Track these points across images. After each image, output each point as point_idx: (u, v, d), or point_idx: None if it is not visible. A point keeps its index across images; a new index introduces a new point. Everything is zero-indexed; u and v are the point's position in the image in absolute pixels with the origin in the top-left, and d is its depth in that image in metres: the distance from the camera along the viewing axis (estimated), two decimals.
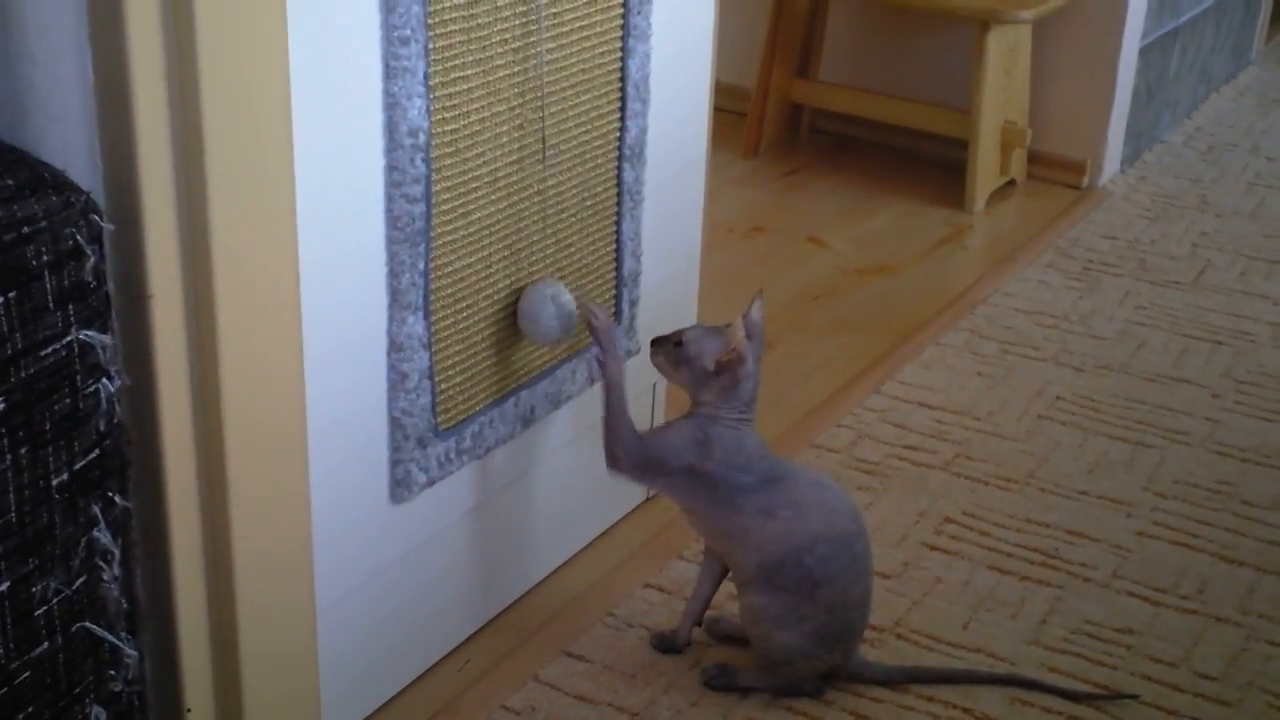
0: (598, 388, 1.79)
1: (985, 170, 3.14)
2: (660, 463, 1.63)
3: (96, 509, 1.08)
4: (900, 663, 1.75)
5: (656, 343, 1.66)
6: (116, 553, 1.08)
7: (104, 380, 1.06)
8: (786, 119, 3.48)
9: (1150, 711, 1.70)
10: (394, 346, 1.48)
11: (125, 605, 1.11)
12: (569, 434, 1.79)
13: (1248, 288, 2.83)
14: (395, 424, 1.51)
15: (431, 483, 1.57)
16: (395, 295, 1.46)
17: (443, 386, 1.56)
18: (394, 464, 1.53)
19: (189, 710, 1.21)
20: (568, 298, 1.62)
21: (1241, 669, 1.78)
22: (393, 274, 1.45)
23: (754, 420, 1.65)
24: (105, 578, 1.08)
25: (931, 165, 3.35)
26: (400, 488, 1.54)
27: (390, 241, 1.44)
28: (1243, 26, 4.14)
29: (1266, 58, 4.42)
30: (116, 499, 1.08)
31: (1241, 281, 2.85)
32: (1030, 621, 1.85)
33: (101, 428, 1.07)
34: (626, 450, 1.63)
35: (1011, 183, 3.28)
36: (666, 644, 1.75)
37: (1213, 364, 2.52)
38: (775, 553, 1.60)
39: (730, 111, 3.50)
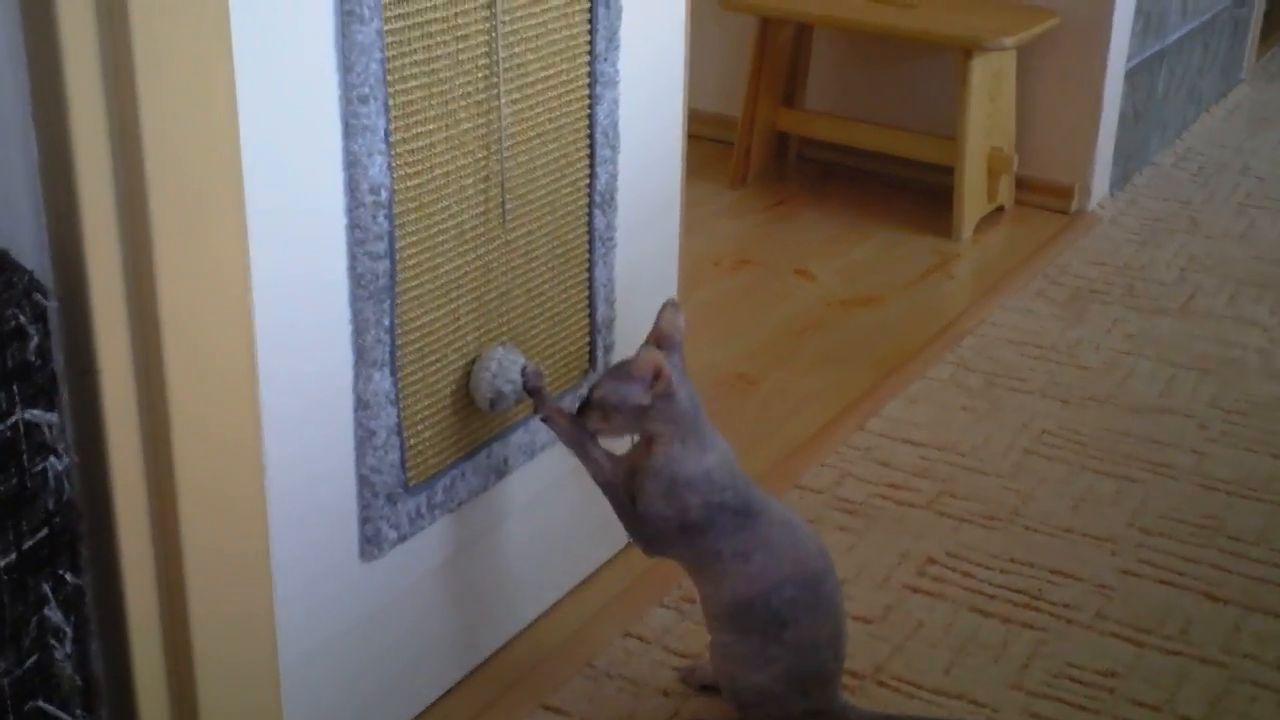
0: None
1: (972, 197, 3.13)
2: (661, 536, 1.61)
3: (47, 588, 1.07)
4: (882, 710, 1.73)
5: (582, 413, 1.60)
6: (69, 630, 1.07)
7: (51, 458, 1.05)
8: (774, 148, 3.48)
9: None
10: (360, 404, 1.47)
11: (79, 682, 1.10)
12: (543, 484, 1.78)
13: (1237, 313, 2.81)
14: (364, 481, 1.50)
15: (403, 539, 1.56)
16: (361, 353, 1.45)
17: (412, 442, 1.54)
18: (363, 521, 1.51)
19: None
20: (503, 364, 1.61)
21: (1225, 712, 1.76)
22: (358, 331, 1.44)
23: (705, 425, 1.60)
24: (58, 655, 1.07)
25: (919, 193, 3.34)
26: (370, 545, 1.52)
27: (354, 299, 1.42)
28: (1232, 45, 4.13)
29: (1256, 76, 4.41)
30: (67, 577, 1.07)
31: (1230, 307, 2.84)
32: (1013, 665, 1.83)
33: (50, 506, 1.06)
34: (637, 538, 1.63)
35: (1000, 209, 3.27)
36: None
37: (1200, 393, 2.51)
38: (745, 594, 1.59)
39: (718, 141, 3.50)
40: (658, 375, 1.54)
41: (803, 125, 3.42)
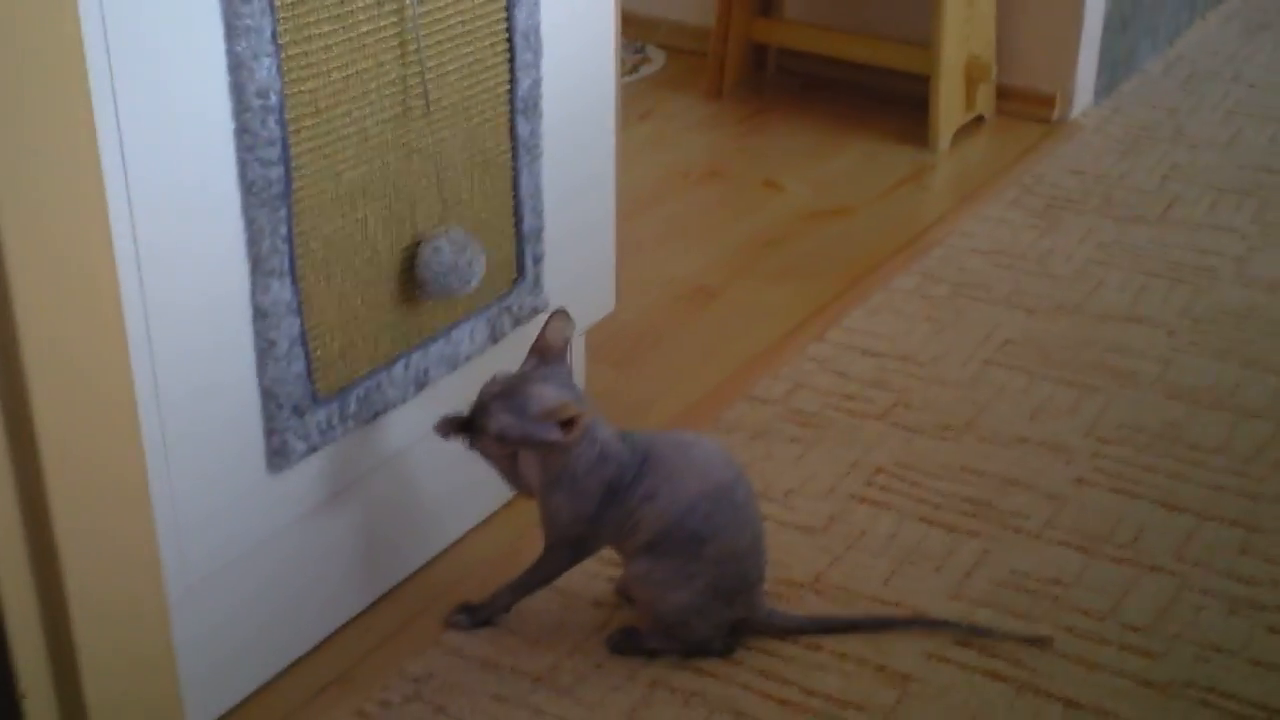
0: (498, 348, 1.75)
1: (949, 107, 3.06)
2: (581, 534, 1.61)
3: None
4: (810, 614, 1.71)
5: (466, 430, 1.56)
6: None
7: None
8: (751, 59, 3.40)
9: (1070, 665, 1.66)
10: (259, 314, 1.44)
11: None
12: (470, 396, 1.74)
13: (1215, 221, 2.75)
14: (267, 393, 1.47)
15: (313, 450, 1.54)
16: (257, 261, 1.42)
17: (319, 352, 1.51)
18: (269, 434, 1.49)
19: (24, 696, 1.18)
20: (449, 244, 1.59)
21: (1171, 620, 1.73)
22: (252, 240, 1.40)
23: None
24: None
25: (898, 103, 3.26)
26: (277, 457, 1.50)
27: (247, 207, 1.39)
28: None
29: None
30: None
31: (1209, 215, 2.77)
32: (955, 574, 1.80)
33: None
34: (559, 552, 1.64)
35: (980, 119, 3.20)
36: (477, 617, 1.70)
37: (1171, 302, 2.45)
38: (659, 527, 1.57)
39: (695, 53, 3.44)
40: (571, 423, 1.52)
41: (779, 35, 3.35)
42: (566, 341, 1.58)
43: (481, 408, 1.54)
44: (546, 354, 1.57)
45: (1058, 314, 2.41)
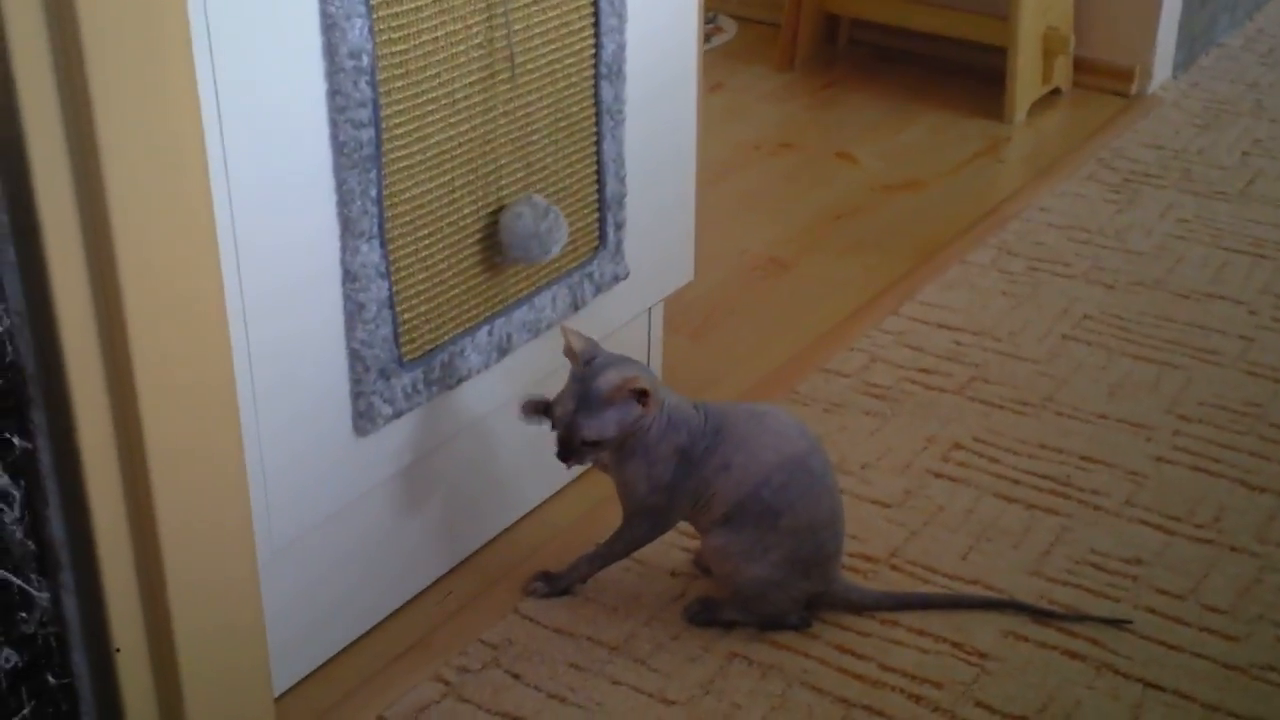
0: (579, 316, 1.74)
1: (1025, 79, 3.03)
2: (659, 506, 1.60)
3: None
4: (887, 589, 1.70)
5: (573, 456, 1.57)
6: (17, 495, 1.05)
7: None
8: (823, 31, 3.38)
9: (1150, 646, 1.64)
10: (349, 276, 1.44)
11: (33, 547, 1.09)
12: (551, 363, 1.74)
13: None
14: (355, 356, 1.47)
15: (398, 414, 1.54)
16: (347, 224, 1.41)
17: (405, 316, 1.51)
18: (355, 396, 1.49)
19: (118, 650, 1.19)
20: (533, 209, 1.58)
21: (1252, 601, 1.71)
22: (342, 202, 1.40)
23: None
24: (6, 520, 1.05)
25: (972, 75, 3.23)
26: (363, 420, 1.50)
27: (338, 168, 1.39)
28: None
29: None
30: (15, 440, 1.05)
31: None
32: (1033, 552, 1.79)
33: None
34: (640, 524, 1.63)
35: (1056, 92, 3.17)
36: (555, 586, 1.70)
37: (1252, 279, 2.42)
38: (734, 498, 1.57)
39: (767, 24, 3.42)
40: (644, 395, 1.53)
41: (852, 6, 3.31)
42: (584, 337, 1.58)
43: (570, 431, 1.55)
44: (584, 358, 1.57)
45: (1137, 290, 2.38)
